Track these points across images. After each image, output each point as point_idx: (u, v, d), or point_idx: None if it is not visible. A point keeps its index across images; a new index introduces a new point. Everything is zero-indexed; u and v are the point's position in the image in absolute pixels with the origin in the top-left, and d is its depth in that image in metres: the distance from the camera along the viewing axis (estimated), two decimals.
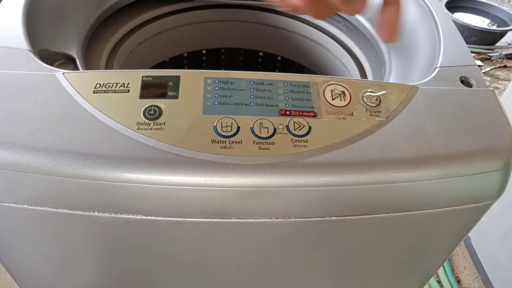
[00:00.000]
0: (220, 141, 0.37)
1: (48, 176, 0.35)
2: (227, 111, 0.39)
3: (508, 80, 2.10)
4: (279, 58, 0.81)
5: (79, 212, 0.38)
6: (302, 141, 0.37)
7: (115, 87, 0.39)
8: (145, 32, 0.66)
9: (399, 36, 0.37)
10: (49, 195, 0.37)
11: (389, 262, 0.52)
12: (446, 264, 1.23)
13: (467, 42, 1.54)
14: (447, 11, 2.25)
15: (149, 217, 0.38)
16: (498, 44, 2.37)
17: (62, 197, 0.37)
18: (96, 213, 0.38)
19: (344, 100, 0.41)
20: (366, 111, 0.40)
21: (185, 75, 0.41)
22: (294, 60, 0.79)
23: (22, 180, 0.36)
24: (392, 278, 0.57)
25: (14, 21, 0.46)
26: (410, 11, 0.57)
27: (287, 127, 0.38)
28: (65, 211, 0.38)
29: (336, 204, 0.39)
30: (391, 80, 0.52)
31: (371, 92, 0.42)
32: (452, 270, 1.22)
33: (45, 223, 0.41)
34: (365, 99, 0.41)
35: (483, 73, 2.14)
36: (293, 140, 0.37)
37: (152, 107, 0.38)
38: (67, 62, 0.49)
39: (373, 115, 0.40)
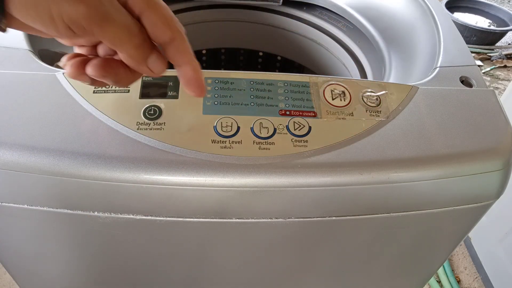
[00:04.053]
0: (220, 141, 0.37)
1: (48, 176, 0.35)
2: (227, 111, 0.39)
3: (508, 80, 2.10)
4: (279, 58, 0.81)
5: (79, 212, 0.38)
6: (302, 141, 0.37)
7: (115, 87, 0.39)
8: None
9: (205, 90, 0.33)
10: (49, 195, 0.37)
11: (389, 262, 0.52)
12: (446, 264, 1.23)
13: (467, 42, 1.54)
14: (447, 11, 2.25)
15: (149, 217, 0.38)
16: (498, 44, 2.37)
17: (62, 197, 0.37)
18: (96, 213, 0.38)
19: (344, 100, 0.41)
20: (366, 111, 0.40)
21: None
22: (294, 60, 0.79)
23: (22, 180, 0.36)
24: (392, 278, 0.57)
25: None
26: (410, 11, 0.57)
27: (287, 127, 0.38)
28: (65, 211, 0.38)
29: (336, 204, 0.39)
30: (391, 80, 0.51)
31: (371, 92, 0.42)
32: (452, 270, 1.22)
33: (45, 223, 0.41)
34: (365, 99, 0.41)
35: (483, 73, 2.14)
36: (293, 140, 0.37)
37: (152, 107, 0.38)
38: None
39: (373, 115, 0.40)
